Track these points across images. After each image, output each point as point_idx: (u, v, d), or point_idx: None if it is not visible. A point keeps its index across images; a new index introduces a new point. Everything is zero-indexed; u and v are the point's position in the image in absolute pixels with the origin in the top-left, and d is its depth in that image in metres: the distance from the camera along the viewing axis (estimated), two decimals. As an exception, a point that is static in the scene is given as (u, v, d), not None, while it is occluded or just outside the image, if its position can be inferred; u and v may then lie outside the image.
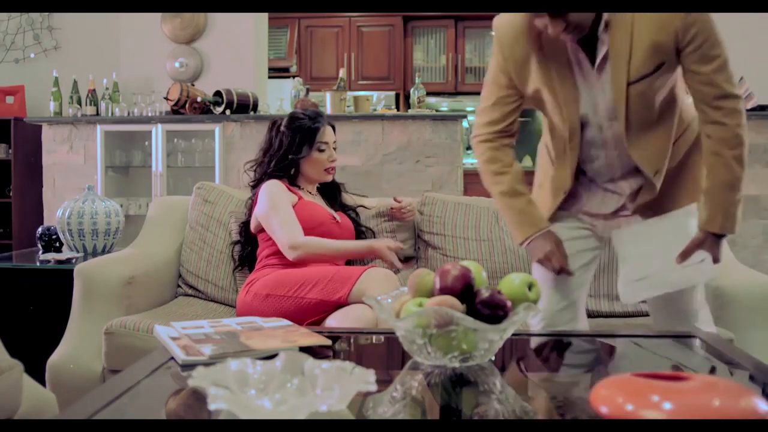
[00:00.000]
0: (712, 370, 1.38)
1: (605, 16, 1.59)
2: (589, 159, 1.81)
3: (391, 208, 2.55)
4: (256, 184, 2.44)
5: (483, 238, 2.54)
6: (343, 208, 2.53)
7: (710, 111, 1.68)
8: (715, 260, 1.76)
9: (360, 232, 2.49)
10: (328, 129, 2.42)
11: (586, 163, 1.82)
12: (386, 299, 1.42)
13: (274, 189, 2.33)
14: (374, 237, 2.52)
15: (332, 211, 2.43)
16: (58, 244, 3.15)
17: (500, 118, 1.85)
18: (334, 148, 2.44)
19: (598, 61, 1.65)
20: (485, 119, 1.87)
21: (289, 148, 2.37)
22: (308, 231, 2.29)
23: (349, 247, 2.31)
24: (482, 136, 1.88)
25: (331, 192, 2.53)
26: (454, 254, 2.52)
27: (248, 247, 2.47)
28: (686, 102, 1.80)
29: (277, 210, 2.28)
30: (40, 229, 3.21)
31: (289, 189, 2.37)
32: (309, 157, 2.38)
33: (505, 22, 1.74)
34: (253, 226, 2.41)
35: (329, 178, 2.46)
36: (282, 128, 2.40)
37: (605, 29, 1.61)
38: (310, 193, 2.45)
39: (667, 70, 1.65)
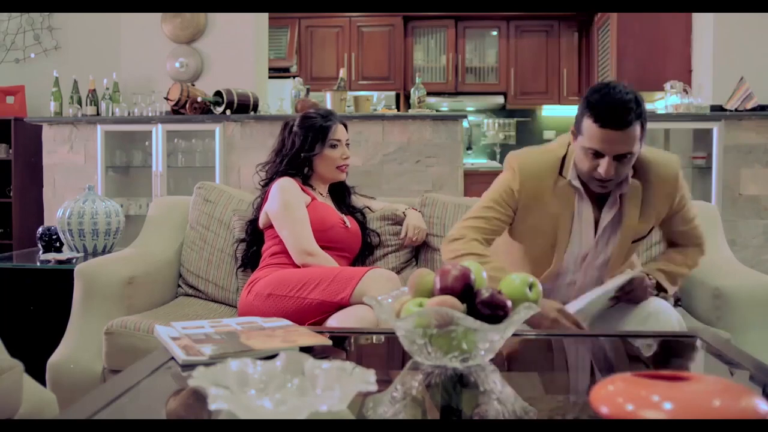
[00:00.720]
0: (713, 370, 1.38)
1: (630, 181, 1.84)
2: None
3: (402, 239, 2.54)
4: (267, 183, 2.44)
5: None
6: (351, 210, 2.53)
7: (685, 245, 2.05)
8: (639, 298, 1.86)
9: (366, 235, 2.50)
10: (340, 127, 2.44)
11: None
12: (386, 299, 1.42)
13: (287, 186, 2.34)
14: (379, 240, 2.53)
15: (342, 215, 2.44)
16: (58, 244, 3.15)
17: (492, 231, 1.94)
18: (347, 145, 2.46)
19: (603, 225, 1.89)
20: (474, 228, 1.93)
21: (302, 146, 2.38)
22: (318, 234, 2.30)
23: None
24: (462, 236, 1.94)
25: (340, 194, 2.54)
26: None
27: (253, 246, 2.47)
28: None
29: (291, 208, 2.28)
30: (40, 229, 3.21)
31: (302, 189, 2.38)
32: (322, 154, 2.39)
33: (531, 160, 1.92)
34: (261, 222, 2.41)
35: (342, 177, 2.47)
36: (294, 128, 2.42)
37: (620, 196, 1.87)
38: (321, 194, 2.46)
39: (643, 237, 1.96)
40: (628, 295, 1.87)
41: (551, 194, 1.87)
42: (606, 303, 1.89)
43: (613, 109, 1.69)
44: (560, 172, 1.88)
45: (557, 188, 1.87)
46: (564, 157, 1.89)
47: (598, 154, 1.74)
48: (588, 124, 1.73)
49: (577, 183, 1.86)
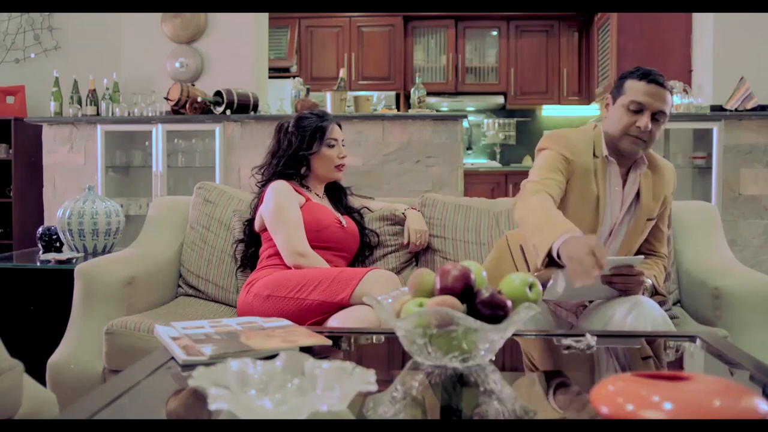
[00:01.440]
0: (713, 371, 1.38)
1: (646, 160, 2.04)
2: None
3: (406, 244, 2.55)
4: (264, 185, 2.45)
5: (483, 241, 2.54)
6: (349, 210, 2.53)
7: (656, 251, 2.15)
8: (632, 290, 1.87)
9: (364, 235, 2.51)
10: (336, 127, 2.47)
11: None
12: (386, 299, 1.42)
13: (281, 188, 2.35)
14: (378, 239, 2.54)
15: (338, 215, 2.44)
16: (58, 244, 3.15)
17: (558, 192, 1.97)
18: (343, 145, 2.48)
19: (629, 200, 2.03)
20: (544, 186, 1.96)
21: (300, 146, 2.40)
22: (314, 233, 2.30)
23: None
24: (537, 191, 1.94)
25: (336, 194, 2.55)
26: (455, 257, 2.52)
27: (252, 247, 2.47)
28: None
29: (284, 211, 2.29)
30: (40, 229, 3.21)
31: (296, 190, 2.38)
32: (319, 153, 2.41)
33: (572, 136, 2.05)
34: (257, 225, 2.42)
35: (339, 176, 2.49)
36: (291, 128, 2.43)
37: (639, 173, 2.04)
38: (317, 195, 2.46)
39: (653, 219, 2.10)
40: (625, 283, 1.86)
41: (592, 169, 2.01)
42: (608, 271, 1.85)
43: (654, 71, 1.98)
44: (593, 154, 2.04)
45: (595, 164, 2.02)
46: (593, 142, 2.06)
47: (638, 111, 1.94)
48: (631, 83, 1.97)
49: (612, 157, 2.01)
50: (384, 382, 1.19)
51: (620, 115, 1.96)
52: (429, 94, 5.57)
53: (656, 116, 1.95)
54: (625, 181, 2.04)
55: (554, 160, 1.98)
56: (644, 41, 5.01)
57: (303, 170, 2.43)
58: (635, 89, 1.95)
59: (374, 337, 1.70)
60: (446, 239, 2.55)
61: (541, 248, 1.70)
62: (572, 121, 6.67)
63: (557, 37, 6.64)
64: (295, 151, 2.40)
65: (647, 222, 2.05)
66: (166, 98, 4.11)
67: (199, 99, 4.06)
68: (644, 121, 1.93)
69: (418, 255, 2.61)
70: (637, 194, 2.04)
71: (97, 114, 4.32)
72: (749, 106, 3.91)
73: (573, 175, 1.99)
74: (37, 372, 1.89)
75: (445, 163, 3.90)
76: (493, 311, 1.25)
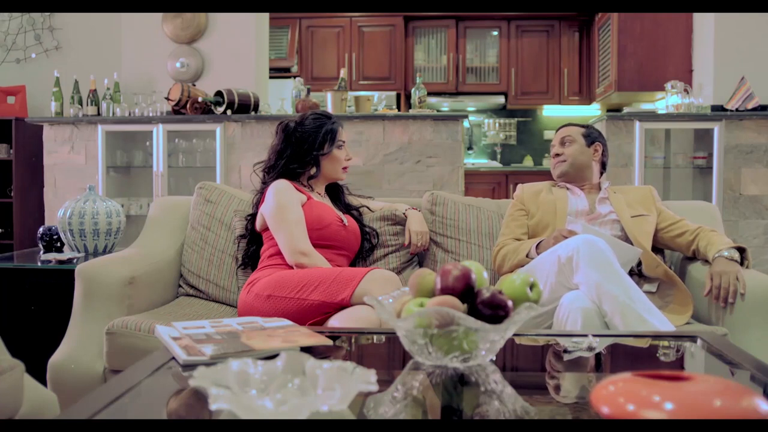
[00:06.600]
0: (713, 370, 1.38)
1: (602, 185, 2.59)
2: None
3: (405, 245, 2.56)
4: (269, 182, 2.45)
5: (492, 245, 2.54)
6: (348, 208, 2.54)
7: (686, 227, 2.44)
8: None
9: (364, 233, 2.51)
10: (342, 128, 2.50)
11: None
12: (387, 299, 1.42)
13: (282, 187, 2.35)
14: (378, 238, 2.54)
15: (340, 213, 2.45)
16: (59, 244, 3.15)
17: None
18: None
19: (605, 209, 2.48)
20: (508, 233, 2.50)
21: (312, 146, 2.41)
22: (315, 232, 2.30)
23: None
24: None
25: (335, 193, 2.56)
26: (468, 256, 2.54)
27: (253, 244, 2.48)
28: None
29: (286, 210, 2.30)
30: (41, 229, 3.21)
31: (298, 189, 2.39)
32: (330, 154, 2.44)
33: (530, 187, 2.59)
34: (258, 225, 2.42)
35: (344, 177, 2.52)
36: (303, 129, 2.43)
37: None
38: (319, 194, 2.47)
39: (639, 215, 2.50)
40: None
41: (546, 196, 2.50)
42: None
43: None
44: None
45: (551, 191, 2.52)
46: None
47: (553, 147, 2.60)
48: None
49: (565, 184, 2.50)
50: (385, 382, 1.18)
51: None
52: (430, 94, 5.58)
53: (564, 140, 2.58)
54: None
55: (512, 209, 2.51)
56: (644, 41, 5.01)
57: (313, 171, 2.45)
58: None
59: (375, 337, 1.70)
60: (460, 241, 2.57)
61: (523, 252, 2.31)
62: (573, 121, 6.65)
63: (558, 37, 6.64)
64: (307, 151, 2.41)
65: (640, 218, 2.39)
66: (167, 98, 4.12)
67: (200, 99, 4.06)
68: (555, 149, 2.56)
69: (425, 254, 2.61)
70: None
71: (98, 114, 4.33)
72: (750, 106, 3.91)
73: (530, 204, 2.49)
74: (38, 372, 1.89)
75: (445, 163, 3.91)
76: (493, 311, 1.25)
